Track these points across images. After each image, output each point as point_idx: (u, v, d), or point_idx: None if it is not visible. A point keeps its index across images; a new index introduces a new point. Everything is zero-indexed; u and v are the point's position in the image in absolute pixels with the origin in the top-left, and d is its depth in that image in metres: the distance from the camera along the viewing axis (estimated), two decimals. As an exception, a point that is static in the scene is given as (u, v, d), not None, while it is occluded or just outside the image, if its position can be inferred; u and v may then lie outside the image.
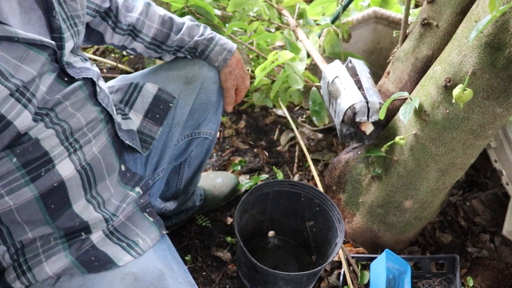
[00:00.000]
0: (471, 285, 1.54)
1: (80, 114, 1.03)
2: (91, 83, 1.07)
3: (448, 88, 1.20)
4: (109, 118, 1.12)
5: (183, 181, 1.55)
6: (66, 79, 1.01)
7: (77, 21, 1.07)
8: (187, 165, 1.50)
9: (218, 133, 2.11)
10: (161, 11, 1.32)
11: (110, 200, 1.06)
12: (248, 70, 2.27)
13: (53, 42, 0.95)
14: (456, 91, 1.11)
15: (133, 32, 1.30)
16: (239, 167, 1.93)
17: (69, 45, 1.02)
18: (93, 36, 1.30)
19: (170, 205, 1.63)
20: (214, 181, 1.80)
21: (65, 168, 0.97)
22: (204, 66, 1.35)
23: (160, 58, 1.39)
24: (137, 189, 1.13)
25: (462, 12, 1.29)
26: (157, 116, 1.29)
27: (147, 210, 1.13)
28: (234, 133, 2.12)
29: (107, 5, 1.24)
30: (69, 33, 1.03)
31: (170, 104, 1.30)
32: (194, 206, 1.69)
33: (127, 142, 1.17)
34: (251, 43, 2.02)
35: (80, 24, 1.09)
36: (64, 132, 0.98)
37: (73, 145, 1.00)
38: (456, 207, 1.86)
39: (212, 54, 1.34)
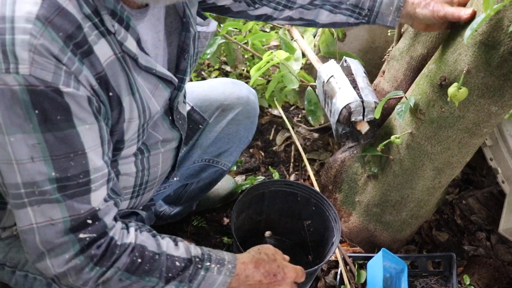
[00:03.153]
0: (467, 283, 1.55)
1: (161, 166, 1.07)
2: (181, 139, 1.10)
3: (443, 86, 1.20)
4: (175, 161, 1.16)
5: (187, 193, 1.54)
6: (170, 117, 1.04)
7: (198, 57, 1.08)
8: (195, 182, 1.49)
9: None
10: None
11: None
12: (243, 70, 2.27)
13: (176, 80, 0.97)
14: (451, 90, 1.11)
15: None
16: (235, 167, 1.92)
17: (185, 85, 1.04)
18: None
19: (170, 210, 1.61)
20: None
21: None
22: (243, 98, 1.33)
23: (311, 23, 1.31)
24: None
25: (457, 11, 1.29)
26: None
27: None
28: (230, 133, 2.11)
29: None
30: (188, 70, 1.03)
31: (200, 126, 1.29)
32: (190, 210, 1.68)
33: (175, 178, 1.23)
34: (246, 43, 2.01)
35: (197, 60, 1.10)
36: (141, 178, 1.02)
37: (139, 192, 1.05)
38: (452, 206, 1.86)
39: (382, 7, 1.19)
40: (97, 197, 0.83)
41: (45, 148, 0.76)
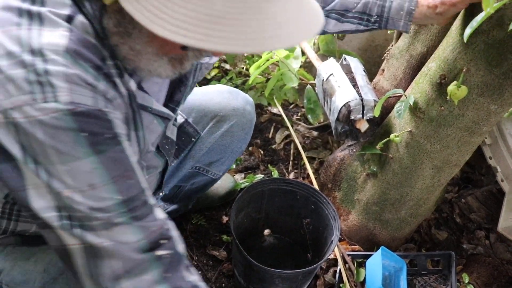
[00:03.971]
0: (466, 281, 1.55)
1: None
2: (166, 164, 1.08)
3: (442, 85, 1.20)
4: (161, 182, 1.14)
5: (182, 193, 1.53)
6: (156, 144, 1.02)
7: (194, 85, 1.06)
8: (189, 184, 1.48)
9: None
10: None
11: None
12: (242, 68, 2.27)
13: (173, 115, 0.95)
14: (450, 88, 1.11)
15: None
16: (234, 166, 1.92)
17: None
18: None
19: (165, 208, 1.58)
20: None
21: None
22: (238, 110, 1.31)
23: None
24: None
25: (457, 9, 1.29)
26: (176, 147, 1.25)
27: None
28: (229, 132, 2.11)
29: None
30: (182, 102, 1.01)
31: (193, 139, 1.28)
32: (186, 208, 1.68)
33: (165, 192, 1.22)
34: (246, 41, 2.01)
35: (193, 87, 1.08)
36: None
37: None
38: (451, 204, 1.86)
39: (392, 12, 1.13)
40: (159, 213, 0.80)
41: (103, 171, 0.72)
